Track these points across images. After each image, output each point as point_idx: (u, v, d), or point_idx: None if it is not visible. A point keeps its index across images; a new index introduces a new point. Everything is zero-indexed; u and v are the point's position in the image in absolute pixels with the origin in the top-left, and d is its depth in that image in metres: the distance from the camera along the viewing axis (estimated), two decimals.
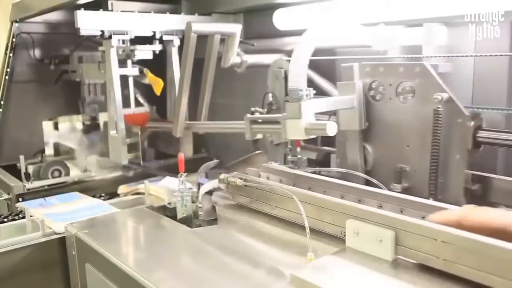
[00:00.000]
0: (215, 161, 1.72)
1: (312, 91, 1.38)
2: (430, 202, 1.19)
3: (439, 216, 1.03)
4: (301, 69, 1.39)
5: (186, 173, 1.47)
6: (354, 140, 1.56)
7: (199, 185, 1.58)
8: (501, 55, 1.39)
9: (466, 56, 1.47)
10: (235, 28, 1.99)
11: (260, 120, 1.60)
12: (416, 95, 1.41)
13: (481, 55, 1.43)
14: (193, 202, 1.47)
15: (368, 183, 1.44)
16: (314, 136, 1.45)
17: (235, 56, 1.98)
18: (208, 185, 1.60)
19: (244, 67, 2.01)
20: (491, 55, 1.39)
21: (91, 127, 2.57)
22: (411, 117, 1.43)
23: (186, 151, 2.18)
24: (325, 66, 1.82)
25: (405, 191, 1.42)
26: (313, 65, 1.63)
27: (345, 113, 1.54)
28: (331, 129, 1.31)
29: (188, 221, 1.45)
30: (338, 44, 1.80)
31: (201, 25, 2.00)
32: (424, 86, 1.38)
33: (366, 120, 1.53)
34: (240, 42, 2.01)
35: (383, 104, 1.50)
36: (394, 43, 1.61)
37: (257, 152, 1.75)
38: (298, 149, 1.75)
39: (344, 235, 1.16)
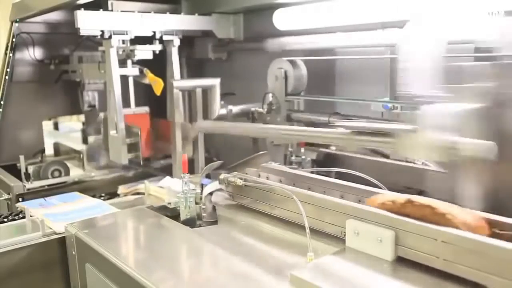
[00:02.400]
0: (219, 162, 1.72)
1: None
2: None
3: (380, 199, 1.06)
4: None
5: (189, 174, 1.48)
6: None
7: (202, 186, 1.57)
8: None
9: None
10: (214, 82, 2.15)
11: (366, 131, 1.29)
12: None
13: None
14: (196, 203, 1.47)
15: (368, 183, 1.44)
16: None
17: (219, 107, 2.11)
18: (212, 186, 1.60)
19: (230, 116, 2.11)
20: None
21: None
22: None
23: (186, 151, 2.18)
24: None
25: None
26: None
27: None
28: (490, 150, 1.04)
29: (192, 222, 1.45)
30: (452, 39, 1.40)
31: (182, 82, 2.25)
32: None
33: None
34: (223, 94, 2.15)
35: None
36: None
37: (260, 152, 1.75)
38: (302, 150, 1.75)
39: (344, 235, 1.16)
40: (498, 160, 1.08)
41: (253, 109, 1.78)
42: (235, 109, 2.13)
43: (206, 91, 2.16)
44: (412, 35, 1.12)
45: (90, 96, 2.62)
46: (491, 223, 1.02)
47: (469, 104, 1.13)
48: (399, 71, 1.12)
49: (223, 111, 2.10)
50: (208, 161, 1.80)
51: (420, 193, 1.33)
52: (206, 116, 2.13)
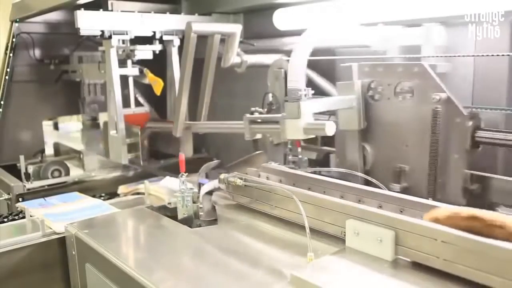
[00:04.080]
0: (216, 161, 1.72)
1: (311, 91, 1.38)
2: (430, 202, 1.19)
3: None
4: (299, 69, 1.39)
5: (187, 173, 1.48)
6: (353, 140, 1.56)
7: (199, 185, 1.58)
8: (501, 55, 1.39)
9: (465, 56, 1.47)
10: (235, 28, 1.99)
11: (259, 120, 1.60)
12: (415, 95, 1.41)
13: (480, 55, 1.43)
14: (194, 202, 1.47)
15: (368, 183, 1.44)
16: (313, 136, 1.45)
17: (235, 56, 1.98)
18: (209, 185, 1.60)
19: (244, 67, 2.01)
20: (490, 55, 1.39)
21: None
22: (410, 117, 1.43)
23: (186, 151, 2.18)
24: (325, 66, 1.82)
25: (404, 190, 1.42)
26: (313, 65, 1.64)
27: (344, 113, 1.54)
28: (330, 129, 1.32)
29: (189, 221, 1.45)
30: (337, 44, 1.80)
31: (201, 25, 2.01)
32: (422, 86, 1.39)
33: (365, 120, 1.54)
34: (240, 42, 2.01)
35: (382, 104, 1.51)
36: (393, 43, 1.61)
37: (257, 152, 1.75)
38: (299, 149, 1.75)
39: (344, 235, 1.17)
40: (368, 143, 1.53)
41: (253, 109, 1.78)
42: (251, 59, 2.01)
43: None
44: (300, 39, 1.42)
45: (91, 108, 2.62)
46: None
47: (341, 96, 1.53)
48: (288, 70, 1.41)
49: (238, 60, 1.99)
50: (207, 160, 1.80)
51: None
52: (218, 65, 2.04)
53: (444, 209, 1.04)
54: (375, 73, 1.51)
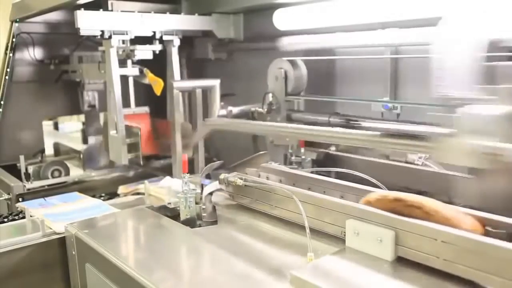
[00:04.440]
0: (219, 162, 1.72)
1: None
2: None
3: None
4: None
5: (189, 174, 1.48)
6: None
7: (202, 186, 1.57)
8: None
9: None
10: (214, 82, 2.14)
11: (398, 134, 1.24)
12: None
13: None
14: (196, 203, 1.47)
15: (367, 183, 1.44)
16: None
17: (219, 108, 2.10)
18: (212, 186, 1.60)
19: (230, 116, 2.09)
20: None
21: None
22: None
23: (187, 152, 2.18)
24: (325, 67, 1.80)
25: None
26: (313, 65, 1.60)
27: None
28: None
29: (192, 222, 1.45)
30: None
31: (182, 82, 2.25)
32: None
33: None
34: (223, 95, 2.13)
35: None
36: None
37: (261, 152, 1.75)
38: (302, 150, 1.75)
39: (344, 235, 1.16)
40: None
41: (253, 109, 1.78)
42: (235, 110, 2.12)
43: (206, 92, 2.15)
44: (447, 34, 1.07)
45: (90, 96, 2.62)
46: (483, 221, 1.02)
47: (508, 106, 1.04)
48: (435, 72, 1.06)
49: (223, 112, 2.10)
50: (208, 161, 1.80)
51: (420, 193, 1.33)
52: (206, 116, 2.13)
53: (375, 193, 1.16)
54: None
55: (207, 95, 2.13)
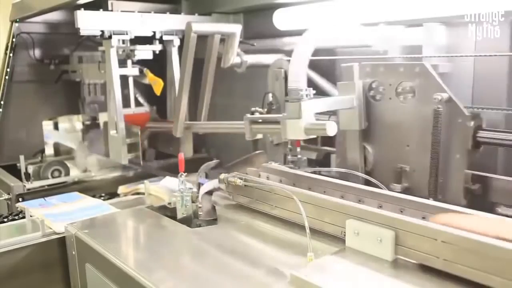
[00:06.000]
0: (215, 161, 1.72)
1: (312, 91, 1.38)
2: (430, 202, 1.19)
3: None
4: (300, 69, 1.39)
5: (186, 173, 1.48)
6: (354, 140, 1.56)
7: (199, 185, 1.58)
8: (501, 55, 1.39)
9: (466, 56, 1.47)
10: (235, 28, 1.99)
11: (260, 120, 1.59)
12: (416, 95, 1.41)
13: (481, 55, 1.43)
14: (193, 202, 1.47)
15: (368, 183, 1.44)
16: (314, 136, 1.45)
17: (235, 56, 1.98)
18: (208, 185, 1.60)
19: (244, 67, 2.01)
20: (491, 55, 1.39)
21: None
22: (411, 117, 1.43)
23: (186, 151, 2.18)
24: (326, 66, 1.82)
25: (405, 191, 1.42)
26: (314, 65, 1.64)
27: (345, 113, 1.54)
28: (331, 129, 1.31)
29: (188, 221, 1.45)
30: (338, 44, 1.80)
31: (201, 25, 2.01)
32: (424, 86, 1.38)
33: (366, 120, 1.53)
34: (240, 42, 2.01)
35: (383, 104, 1.51)
36: (395, 43, 1.61)
37: (257, 152, 1.75)
38: (298, 149, 1.75)
39: (344, 235, 1.16)
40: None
41: (253, 109, 1.78)
42: (251, 59, 2.01)
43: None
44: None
45: (90, 108, 2.62)
46: None
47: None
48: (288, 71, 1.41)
49: (237, 60, 2.00)
50: (207, 160, 1.80)
51: None
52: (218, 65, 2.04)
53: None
54: (376, 73, 1.51)
55: (225, 42, 1.99)
